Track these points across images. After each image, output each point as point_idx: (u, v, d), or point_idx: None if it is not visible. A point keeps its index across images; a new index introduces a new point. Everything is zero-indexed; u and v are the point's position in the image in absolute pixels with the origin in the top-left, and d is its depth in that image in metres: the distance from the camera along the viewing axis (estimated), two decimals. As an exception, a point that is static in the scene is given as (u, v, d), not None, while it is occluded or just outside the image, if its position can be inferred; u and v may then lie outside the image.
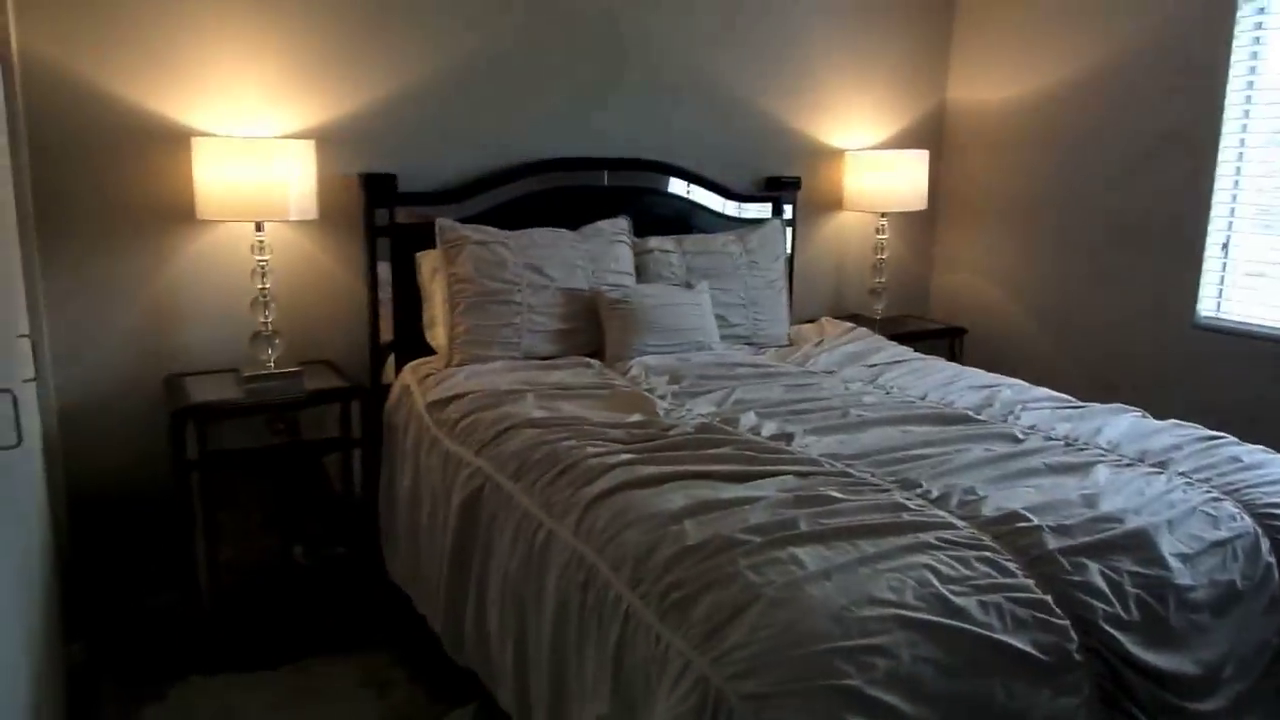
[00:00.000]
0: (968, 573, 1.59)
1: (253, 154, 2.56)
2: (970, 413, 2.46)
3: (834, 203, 3.91)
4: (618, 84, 3.34)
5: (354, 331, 3.03)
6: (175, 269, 2.77)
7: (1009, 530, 1.73)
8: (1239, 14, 3.06)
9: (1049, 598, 1.58)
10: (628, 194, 3.33)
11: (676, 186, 3.47)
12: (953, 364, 3.10)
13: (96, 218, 2.65)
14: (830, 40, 3.76)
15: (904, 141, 4.01)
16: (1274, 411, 3.03)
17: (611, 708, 1.62)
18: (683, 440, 2.18)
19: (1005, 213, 3.92)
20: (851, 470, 2.01)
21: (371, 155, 2.97)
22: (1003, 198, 3.92)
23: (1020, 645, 1.49)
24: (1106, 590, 1.63)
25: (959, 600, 1.52)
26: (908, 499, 1.86)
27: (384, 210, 2.96)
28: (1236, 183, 3.17)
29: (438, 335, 2.92)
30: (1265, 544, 1.86)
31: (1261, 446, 2.24)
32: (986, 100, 3.94)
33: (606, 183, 3.31)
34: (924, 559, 1.60)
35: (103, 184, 2.64)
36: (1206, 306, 3.27)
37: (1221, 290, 3.24)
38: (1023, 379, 2.86)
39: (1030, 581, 1.60)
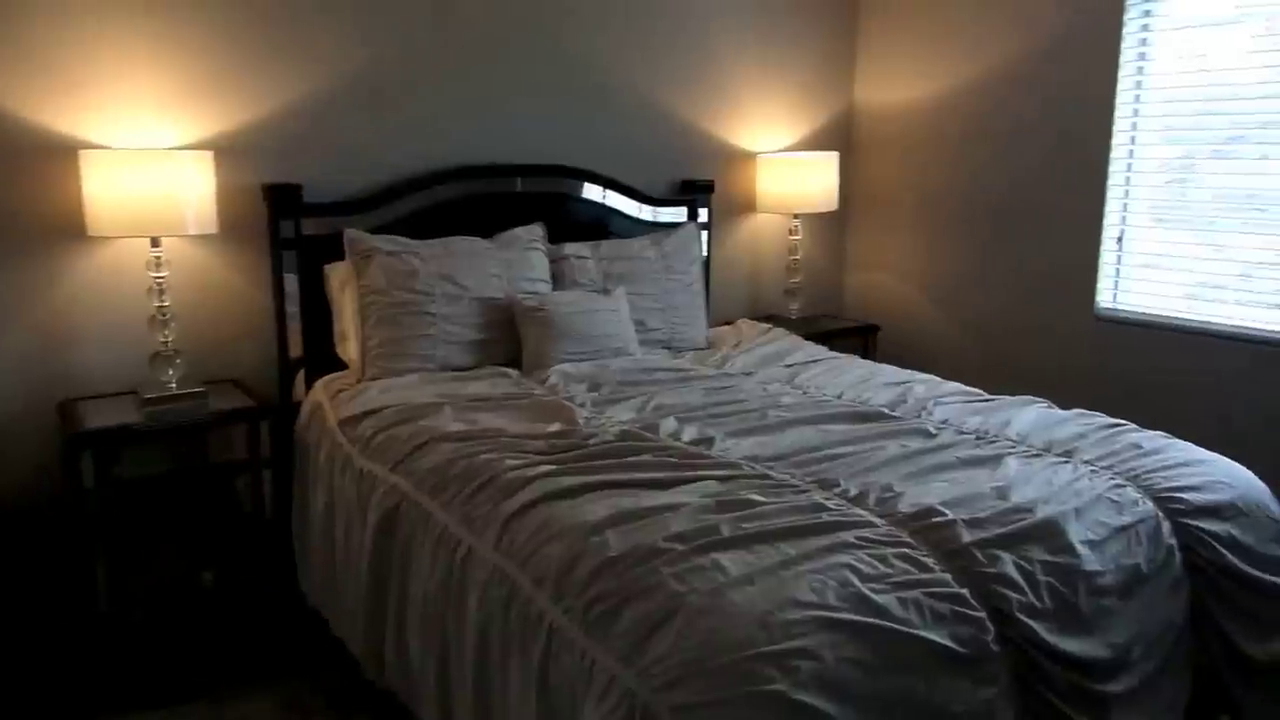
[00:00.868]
0: (887, 570, 1.61)
1: (145, 166, 2.46)
2: (885, 410, 2.50)
3: (747, 205, 3.94)
4: (530, 89, 3.31)
5: (261, 348, 2.93)
6: (66, 288, 2.64)
7: (925, 525, 1.76)
8: (1126, 16, 3.19)
9: (965, 591, 1.61)
10: (542, 200, 3.30)
11: (591, 192, 3.45)
12: (867, 361, 3.15)
13: (-23, 237, 2.51)
14: (740, 46, 3.80)
15: (814, 144, 4.07)
16: (1171, 397, 3.16)
17: (538, 725, 1.59)
18: (604, 449, 2.16)
19: (913, 211, 4.01)
20: (772, 472, 2.02)
21: (275, 165, 2.87)
22: (910, 197, 4.01)
23: (939, 639, 1.51)
24: (1020, 580, 1.67)
25: (879, 598, 1.53)
26: (827, 499, 1.87)
27: (289, 222, 2.86)
28: (1128, 178, 3.30)
29: (349, 349, 2.85)
30: (1166, 527, 1.93)
31: (1160, 432, 2.33)
32: (892, 103, 4.03)
33: (520, 189, 3.28)
34: (844, 559, 1.62)
35: (-17, 201, 2.50)
36: (1105, 298, 3.39)
37: (1118, 282, 3.37)
38: (934, 374, 2.93)
39: (947, 576, 1.63)
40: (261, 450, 2.68)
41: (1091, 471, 2.06)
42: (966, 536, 1.72)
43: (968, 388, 2.74)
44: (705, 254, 3.65)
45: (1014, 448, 2.20)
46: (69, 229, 2.58)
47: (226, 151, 2.77)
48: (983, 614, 1.59)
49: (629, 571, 1.59)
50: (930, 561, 1.66)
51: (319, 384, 2.80)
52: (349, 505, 2.35)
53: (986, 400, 2.61)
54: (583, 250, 3.23)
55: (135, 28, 2.62)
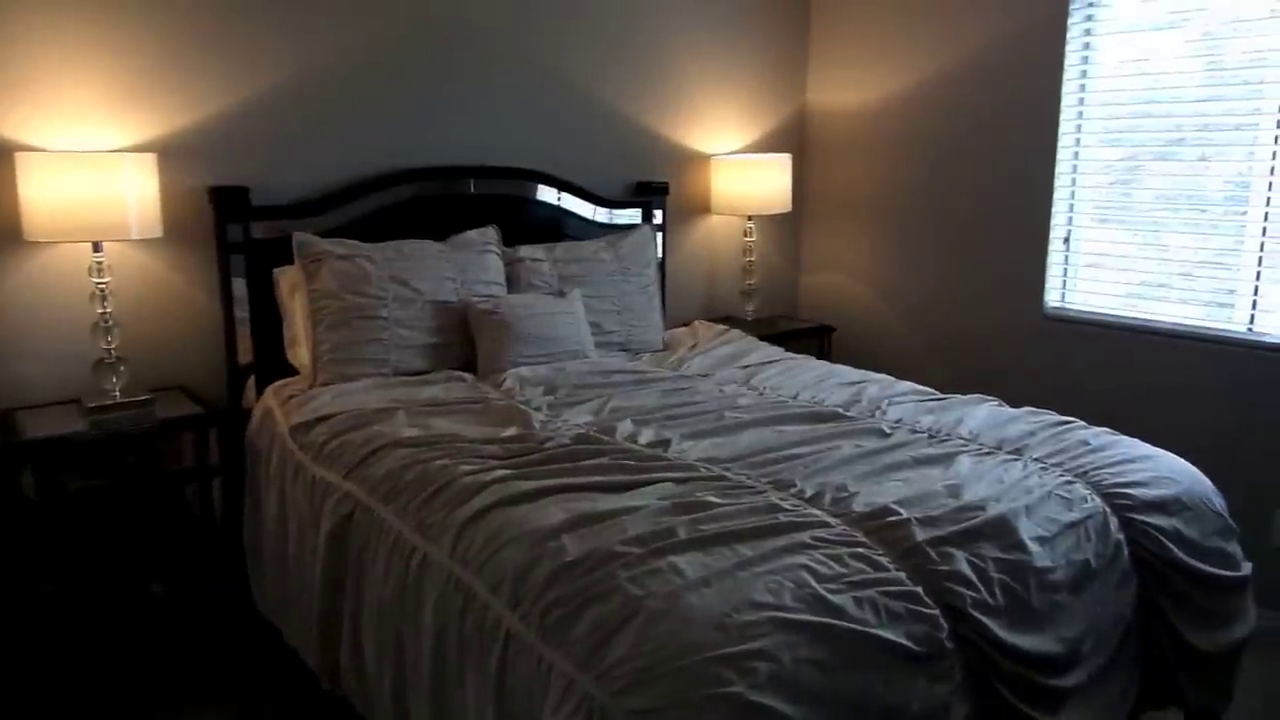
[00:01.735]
0: (842, 570, 1.62)
1: (85, 169, 2.39)
2: (840, 410, 2.52)
3: (702, 207, 3.95)
4: (484, 91, 3.28)
5: (210, 354, 2.87)
6: (3, 295, 2.56)
7: (880, 525, 1.77)
8: (1070, 20, 3.26)
9: (919, 589, 1.62)
10: (496, 202, 3.28)
11: (546, 194, 3.44)
12: (823, 362, 3.17)
13: (-92, 242, 2.43)
14: (694, 48, 3.81)
15: (767, 146, 4.10)
16: (1117, 394, 3.23)
17: (495, 733, 1.57)
18: (560, 452, 2.15)
19: (865, 212, 4.05)
20: (728, 473, 2.02)
21: (222, 167, 2.81)
22: (862, 198, 4.05)
23: (895, 638, 1.52)
24: (973, 577, 1.69)
25: (835, 598, 1.54)
26: (783, 499, 1.88)
27: (237, 225, 2.81)
28: (1074, 180, 3.37)
29: (300, 355, 2.80)
30: (1114, 522, 1.97)
31: (1107, 429, 2.37)
32: (843, 105, 4.06)
33: (473, 191, 3.25)
34: (800, 559, 1.62)
35: (-86, 205, 2.42)
36: (1053, 297, 3.46)
37: (1065, 281, 3.44)
38: (888, 373, 2.96)
39: (902, 574, 1.64)
40: (211, 458, 2.63)
41: (1041, 469, 2.10)
42: (920, 535, 1.74)
43: (921, 387, 2.77)
44: (661, 256, 3.65)
45: (966, 446, 2.23)
46: (4, 233, 2.51)
47: (170, 153, 2.71)
48: (937, 611, 1.60)
49: (586, 576, 1.58)
50: (885, 560, 1.67)
51: (270, 390, 2.75)
52: (301, 513, 2.31)
53: (939, 399, 2.65)
54: (537, 253, 3.21)
55: (73, 26, 2.55)
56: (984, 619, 1.64)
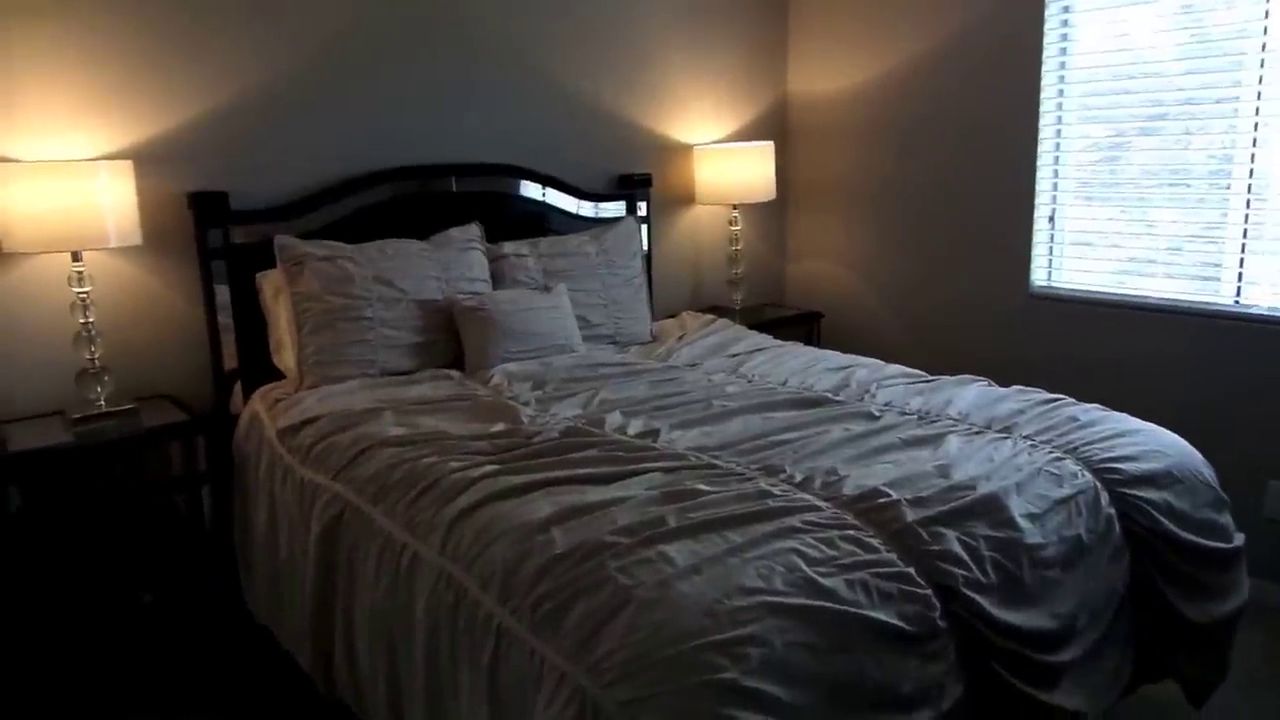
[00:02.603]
0: (833, 553, 1.61)
1: (61, 179, 2.37)
2: (829, 394, 2.51)
3: (686, 197, 3.94)
4: (464, 88, 3.26)
5: (195, 361, 2.85)
6: (-17, 308, 2.54)
7: (870, 507, 1.77)
8: (1048, -1, 3.26)
9: (911, 569, 1.62)
10: (478, 199, 3.26)
11: (529, 189, 3.42)
12: (811, 348, 3.16)
13: (-115, 257, 2.41)
14: (673, 38, 3.79)
15: (750, 134, 4.09)
16: (1106, 370, 3.23)
17: (490, 729, 1.57)
18: (548, 446, 2.14)
19: (850, 198, 4.04)
20: (717, 461, 2.02)
21: (200, 173, 2.79)
22: (847, 184, 4.04)
23: (887, 619, 1.52)
24: (965, 556, 1.68)
25: (826, 581, 1.53)
26: (772, 485, 1.87)
27: (218, 231, 2.79)
28: (1057, 158, 3.36)
29: (286, 358, 2.79)
30: (1104, 497, 1.97)
31: (1096, 405, 2.37)
32: (825, 91, 4.05)
33: (455, 188, 3.23)
34: (791, 543, 1.62)
35: (-111, 219, 2.39)
36: (1039, 276, 3.45)
37: (1051, 260, 3.44)
38: (878, 357, 2.95)
39: (893, 555, 1.64)
40: (199, 464, 2.61)
41: (1031, 446, 2.10)
42: (910, 516, 1.73)
43: (909, 369, 2.77)
44: (646, 248, 3.63)
45: (955, 426, 2.23)
46: (-17, 245, 2.49)
47: (147, 160, 2.69)
48: (929, 591, 1.60)
49: (576, 568, 1.57)
50: (876, 542, 1.66)
51: (256, 394, 2.73)
52: (291, 516, 2.30)
53: (928, 381, 2.64)
54: (522, 248, 3.20)
55: (45, 33, 2.52)
56: (976, 597, 1.64)
